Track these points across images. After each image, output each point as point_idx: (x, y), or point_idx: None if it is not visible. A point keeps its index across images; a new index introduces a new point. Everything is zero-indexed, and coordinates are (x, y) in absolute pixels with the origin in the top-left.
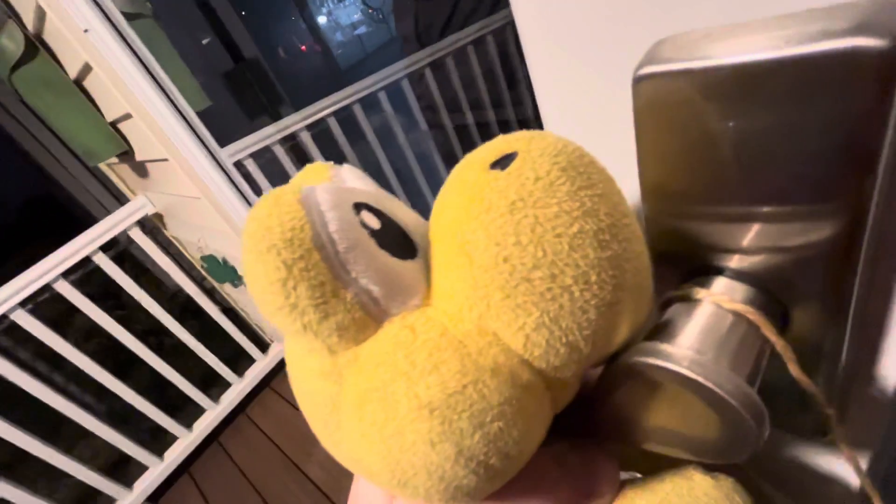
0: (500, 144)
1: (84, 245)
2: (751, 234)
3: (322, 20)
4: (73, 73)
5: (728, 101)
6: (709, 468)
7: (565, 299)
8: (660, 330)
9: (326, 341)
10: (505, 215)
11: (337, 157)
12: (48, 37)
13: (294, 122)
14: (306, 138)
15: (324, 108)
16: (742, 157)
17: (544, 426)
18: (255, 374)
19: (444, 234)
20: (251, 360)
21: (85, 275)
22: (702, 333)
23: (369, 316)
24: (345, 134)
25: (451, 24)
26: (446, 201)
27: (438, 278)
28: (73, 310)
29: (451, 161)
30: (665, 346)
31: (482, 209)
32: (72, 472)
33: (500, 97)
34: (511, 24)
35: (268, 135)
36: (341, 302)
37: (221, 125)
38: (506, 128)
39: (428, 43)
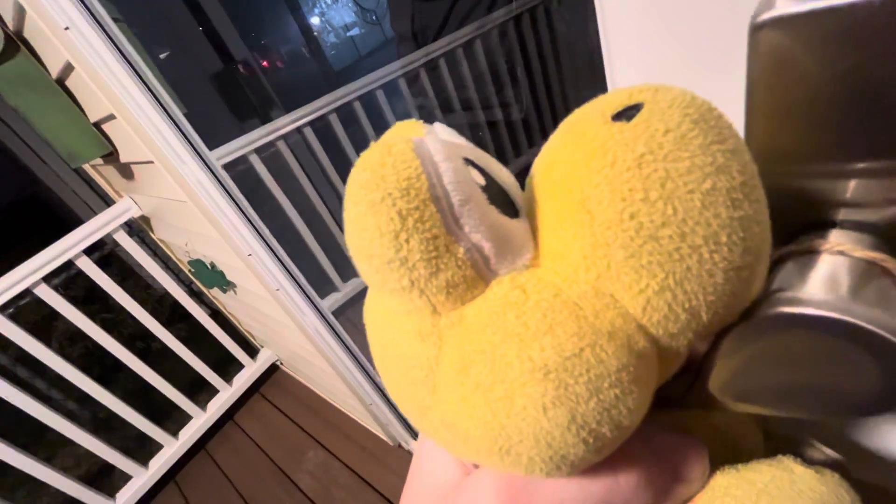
0: (620, 96)
1: (67, 249)
2: (873, 186)
3: (315, 21)
4: (54, 72)
5: (863, 46)
6: (807, 461)
7: (693, 261)
8: (786, 284)
9: (432, 300)
10: (632, 169)
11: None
12: (28, 34)
13: (284, 123)
14: (284, 149)
15: (314, 110)
16: (872, 107)
17: (650, 398)
18: (244, 381)
19: (558, 190)
20: (240, 366)
21: (70, 278)
22: (836, 282)
23: (478, 275)
24: (322, 141)
25: (447, 25)
26: (558, 157)
27: (549, 237)
28: (57, 313)
29: None
30: (811, 296)
31: (606, 163)
32: (53, 483)
33: (501, 96)
34: (513, 20)
35: (257, 137)
36: (453, 258)
37: (209, 127)
38: (511, 128)
39: (424, 43)
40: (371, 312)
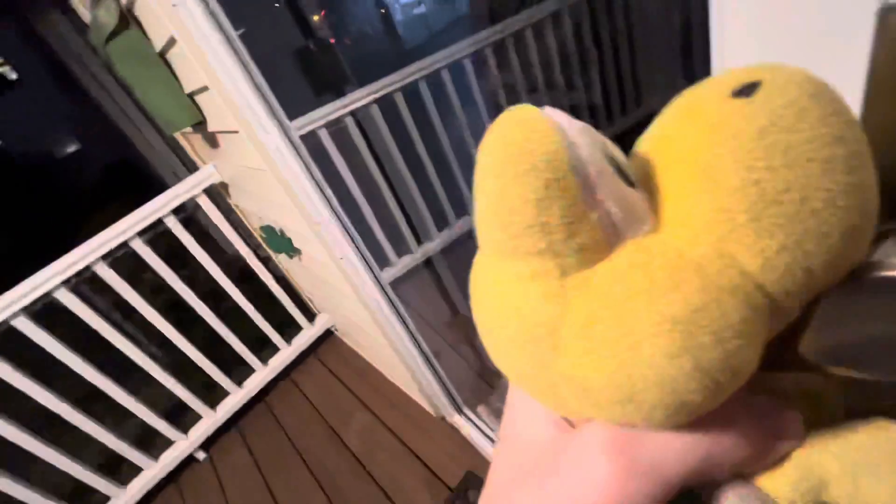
0: (739, 75)
1: (158, 208)
2: None
3: None
4: (158, 45)
5: None
6: None
7: (811, 223)
8: (887, 254)
9: (564, 262)
10: (755, 140)
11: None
12: (139, 10)
13: (361, 96)
14: (351, 124)
15: (385, 85)
16: None
17: (761, 353)
18: (302, 342)
19: (679, 163)
20: (299, 329)
21: (154, 237)
22: None
23: (606, 240)
24: (386, 118)
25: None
26: (676, 133)
27: (670, 206)
28: (140, 271)
29: None
30: None
31: (729, 135)
32: (137, 414)
33: (571, 80)
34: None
35: (330, 111)
36: (587, 223)
37: (288, 101)
38: (575, 112)
39: (500, 19)
40: (484, 280)
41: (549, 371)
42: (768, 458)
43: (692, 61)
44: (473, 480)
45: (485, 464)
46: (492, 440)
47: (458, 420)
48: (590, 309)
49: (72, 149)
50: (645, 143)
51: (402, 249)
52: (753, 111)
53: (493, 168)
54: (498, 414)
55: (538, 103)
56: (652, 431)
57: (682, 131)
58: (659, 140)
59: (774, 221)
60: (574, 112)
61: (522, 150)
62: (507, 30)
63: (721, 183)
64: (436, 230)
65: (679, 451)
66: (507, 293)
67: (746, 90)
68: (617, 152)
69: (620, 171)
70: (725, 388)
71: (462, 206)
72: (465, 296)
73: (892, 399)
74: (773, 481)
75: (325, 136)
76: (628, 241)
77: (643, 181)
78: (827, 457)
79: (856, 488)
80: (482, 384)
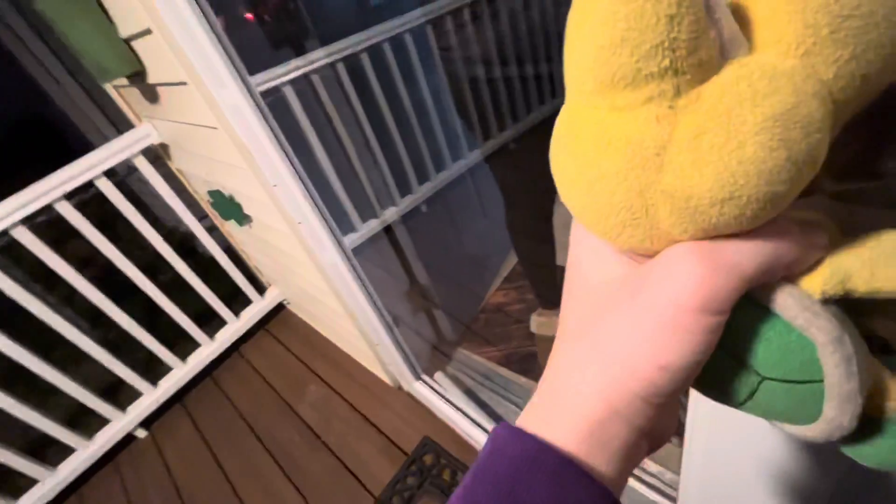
0: None
1: (88, 168)
2: None
3: None
4: None
5: None
6: None
7: (874, 35)
8: None
9: (681, 80)
10: None
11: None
12: None
13: (319, 57)
14: (318, 83)
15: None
16: None
17: (827, 149)
18: (251, 315)
19: None
20: (247, 302)
21: (80, 203)
22: None
23: (718, 58)
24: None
25: None
26: None
27: (762, 29)
28: (66, 237)
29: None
30: None
31: None
32: (67, 390)
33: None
34: None
35: (293, 68)
36: (707, 40)
37: (244, 53)
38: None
39: None
40: (577, 126)
41: (650, 193)
42: (806, 264)
43: None
44: (430, 445)
45: (441, 430)
46: (450, 401)
47: (416, 387)
48: (698, 122)
49: None
50: None
51: (367, 214)
52: None
53: None
54: (455, 380)
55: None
56: (728, 239)
57: None
58: None
59: (849, 33)
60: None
61: None
62: None
63: (810, 3)
64: (399, 195)
65: (753, 252)
66: (613, 125)
67: None
68: None
69: None
70: (805, 177)
71: (424, 172)
72: (425, 263)
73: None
74: (809, 281)
75: (290, 94)
76: (731, 61)
77: (736, 9)
78: (849, 257)
79: (872, 275)
80: (439, 354)
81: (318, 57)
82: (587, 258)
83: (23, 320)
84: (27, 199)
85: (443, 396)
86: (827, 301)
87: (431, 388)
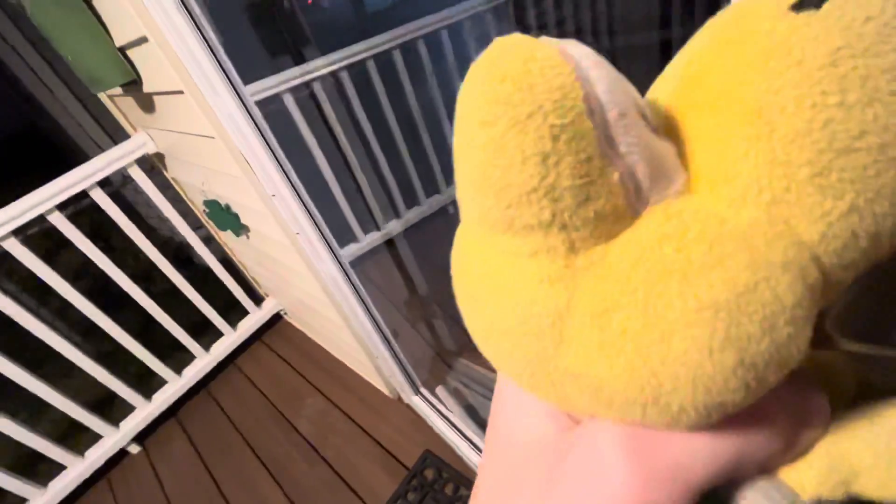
0: None
1: (82, 178)
2: None
3: None
4: None
5: None
6: None
7: (889, 177)
8: None
9: (572, 235)
10: (825, 68)
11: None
12: None
13: (320, 65)
14: (319, 91)
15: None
16: None
17: (809, 340)
18: (248, 326)
19: (720, 100)
20: (244, 313)
21: (73, 214)
22: None
23: (627, 204)
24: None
25: None
26: (716, 62)
27: (707, 158)
28: (58, 248)
29: None
30: None
31: (790, 62)
32: (58, 406)
33: None
34: None
35: (293, 76)
36: (606, 184)
37: (241, 61)
38: None
39: None
40: (470, 259)
41: (550, 367)
42: (795, 450)
43: None
44: (431, 459)
45: (442, 443)
46: (449, 420)
47: (415, 401)
48: (605, 294)
49: None
50: (668, 81)
51: (368, 226)
52: (824, 28)
53: (480, 113)
54: (456, 394)
55: None
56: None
57: (722, 61)
58: (689, 76)
59: (845, 176)
60: None
61: (521, 86)
62: None
63: (778, 126)
64: (405, 207)
65: (706, 454)
66: (499, 276)
67: (810, 1)
68: (635, 92)
69: (646, 112)
70: (770, 383)
71: (432, 184)
72: (425, 275)
73: None
74: (797, 473)
75: (290, 103)
76: (654, 206)
77: (668, 128)
78: (857, 444)
79: (890, 477)
80: (440, 364)
81: (320, 65)
82: (510, 405)
83: (12, 333)
84: (19, 210)
85: (442, 415)
86: None
87: (431, 404)
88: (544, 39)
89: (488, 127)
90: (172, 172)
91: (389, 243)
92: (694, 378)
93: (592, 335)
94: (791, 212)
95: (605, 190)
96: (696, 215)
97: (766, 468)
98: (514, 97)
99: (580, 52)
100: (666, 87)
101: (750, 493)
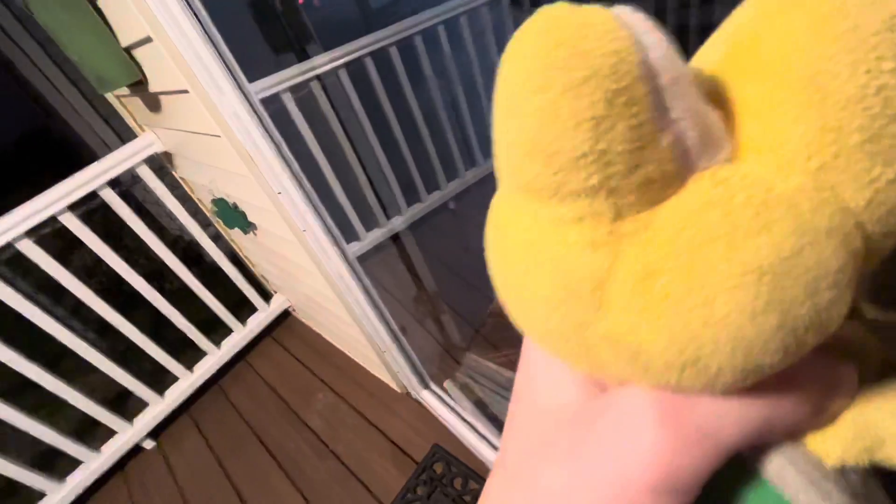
0: None
1: (92, 178)
2: None
3: None
4: None
5: None
6: None
7: None
8: None
9: (619, 202)
10: (881, 33)
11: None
12: None
13: (321, 63)
14: (318, 90)
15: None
16: None
17: (850, 305)
18: (257, 323)
19: (771, 67)
20: (252, 310)
21: (84, 214)
22: None
23: (676, 170)
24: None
25: None
26: (767, 28)
27: (755, 126)
28: (71, 248)
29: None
30: None
31: (845, 28)
32: (74, 403)
33: None
34: None
35: (294, 74)
36: (656, 150)
37: (245, 60)
38: None
39: None
40: (507, 225)
41: (588, 333)
42: (822, 418)
43: None
44: (440, 453)
45: (451, 438)
46: (458, 415)
47: (424, 395)
48: (649, 259)
49: None
50: (713, 50)
51: (370, 223)
52: None
53: (533, 79)
54: (464, 388)
55: None
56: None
57: (773, 29)
58: (737, 43)
59: (895, 142)
60: None
61: (576, 51)
62: None
63: (830, 93)
64: (405, 204)
65: (736, 417)
66: (539, 242)
67: None
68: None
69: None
70: (808, 347)
71: (433, 180)
72: (432, 270)
73: None
74: (823, 440)
75: (289, 101)
76: (701, 173)
77: (714, 96)
78: (883, 414)
79: None
80: (447, 359)
81: (322, 62)
82: (538, 372)
83: (29, 332)
84: (31, 210)
85: (451, 409)
86: (845, 472)
87: (440, 398)
88: (595, 6)
89: (542, 92)
90: (181, 171)
91: (392, 240)
92: (734, 339)
93: (634, 300)
94: (838, 178)
95: (656, 156)
96: (743, 181)
97: (792, 434)
98: (570, 62)
99: (634, 18)
100: (711, 56)
101: (776, 458)
